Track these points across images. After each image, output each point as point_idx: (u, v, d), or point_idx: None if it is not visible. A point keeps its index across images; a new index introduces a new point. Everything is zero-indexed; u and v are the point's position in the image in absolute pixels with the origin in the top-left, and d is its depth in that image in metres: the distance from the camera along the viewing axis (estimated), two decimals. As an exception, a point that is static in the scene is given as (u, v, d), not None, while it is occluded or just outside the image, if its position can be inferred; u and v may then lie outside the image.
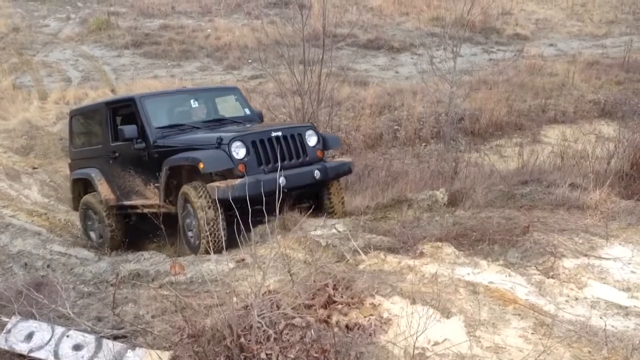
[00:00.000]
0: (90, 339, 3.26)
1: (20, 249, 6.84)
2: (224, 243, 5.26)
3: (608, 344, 2.94)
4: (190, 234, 5.82)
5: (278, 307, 3.09)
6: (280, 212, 4.63)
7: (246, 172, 5.52)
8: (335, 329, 3.04)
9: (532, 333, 3.08)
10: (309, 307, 3.22)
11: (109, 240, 6.93)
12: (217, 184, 5.43)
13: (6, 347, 3.27)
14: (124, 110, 6.80)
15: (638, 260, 4.00)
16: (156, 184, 6.27)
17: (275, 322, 2.99)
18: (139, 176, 6.56)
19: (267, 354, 2.81)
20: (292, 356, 2.82)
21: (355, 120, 12.71)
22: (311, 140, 6.09)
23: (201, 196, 5.51)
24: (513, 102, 13.35)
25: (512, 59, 15.92)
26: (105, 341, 3.24)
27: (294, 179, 5.66)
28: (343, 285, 3.45)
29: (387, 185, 8.45)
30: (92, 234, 7.32)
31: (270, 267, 3.73)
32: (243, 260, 4.63)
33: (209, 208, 5.42)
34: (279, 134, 5.85)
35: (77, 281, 4.96)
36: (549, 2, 24.11)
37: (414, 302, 3.30)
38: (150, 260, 5.47)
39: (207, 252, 4.88)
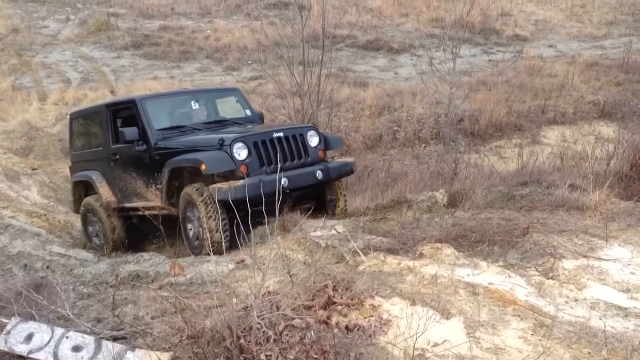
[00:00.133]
0: (89, 340, 3.26)
1: (19, 250, 6.84)
2: (224, 245, 5.26)
3: (608, 345, 2.94)
4: (192, 235, 5.82)
5: (278, 308, 3.09)
6: (280, 213, 4.63)
7: (248, 173, 5.51)
8: (335, 330, 3.04)
9: (532, 334, 3.08)
10: (308, 308, 3.22)
11: (110, 242, 6.93)
12: (219, 185, 5.42)
13: (6, 349, 3.27)
14: (125, 112, 6.79)
15: (637, 262, 4.00)
16: (157, 186, 6.27)
17: (275, 323, 2.99)
18: (140, 178, 6.55)
19: (266, 355, 2.81)
20: (291, 357, 2.82)
21: (354, 121, 12.72)
22: (313, 140, 6.09)
23: (203, 198, 5.50)
24: (512, 103, 13.36)
25: (511, 60, 15.94)
26: (104, 342, 3.24)
27: (296, 179, 5.65)
28: (343, 286, 3.45)
29: (387, 186, 8.45)
30: (93, 236, 7.32)
31: (269, 268, 3.73)
32: (243, 261, 4.63)
33: (212, 209, 5.40)
34: (281, 134, 5.85)
35: (76, 282, 4.96)
36: (549, 3, 24.14)
37: (413, 303, 3.30)
38: (149, 261, 5.48)
39: (209, 253, 4.87)
